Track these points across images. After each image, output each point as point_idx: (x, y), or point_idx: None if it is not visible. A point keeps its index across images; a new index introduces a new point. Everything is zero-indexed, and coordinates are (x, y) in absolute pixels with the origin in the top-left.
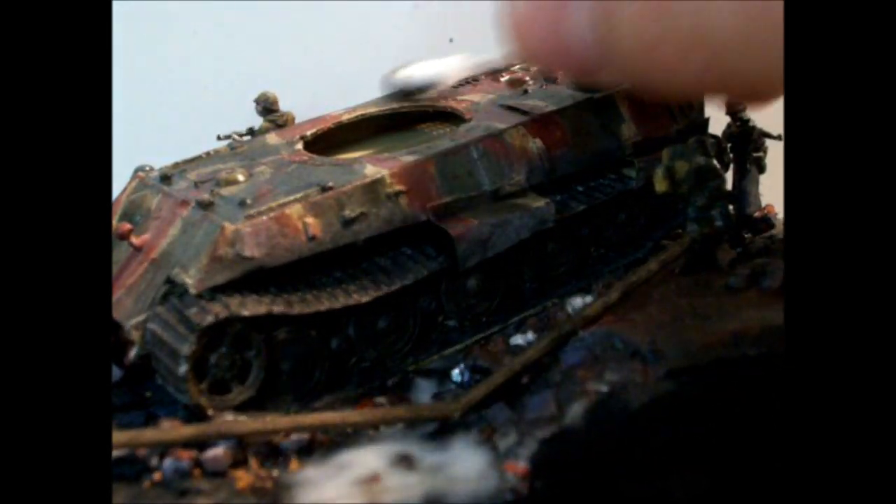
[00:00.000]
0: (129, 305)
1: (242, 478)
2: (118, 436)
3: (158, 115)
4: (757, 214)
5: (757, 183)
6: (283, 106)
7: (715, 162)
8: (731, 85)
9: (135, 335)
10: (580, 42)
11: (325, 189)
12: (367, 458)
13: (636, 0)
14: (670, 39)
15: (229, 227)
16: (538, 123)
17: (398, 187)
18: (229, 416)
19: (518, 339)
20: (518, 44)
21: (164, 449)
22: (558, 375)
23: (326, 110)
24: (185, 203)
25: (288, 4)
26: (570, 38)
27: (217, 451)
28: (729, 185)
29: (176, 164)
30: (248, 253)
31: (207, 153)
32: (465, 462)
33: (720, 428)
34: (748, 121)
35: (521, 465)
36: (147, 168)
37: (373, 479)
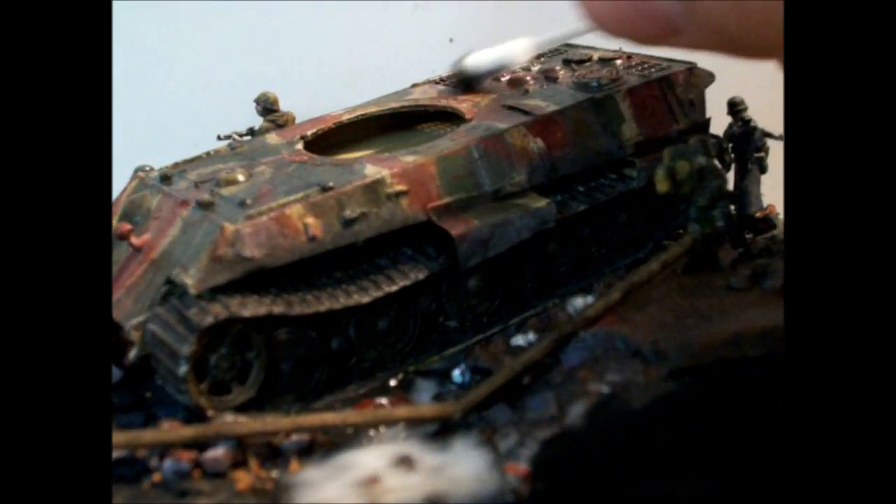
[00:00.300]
0: (129, 306)
1: (242, 479)
2: (118, 436)
3: (158, 115)
4: (758, 215)
5: (758, 183)
6: (283, 106)
7: (716, 162)
8: None
9: (135, 336)
10: (666, 6)
11: (325, 189)
12: (368, 459)
13: None
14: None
15: (229, 227)
16: (539, 123)
17: (398, 187)
18: (229, 417)
19: (519, 340)
20: (591, 13)
21: (163, 450)
22: (559, 376)
23: (326, 110)
24: (185, 203)
25: (288, 4)
26: (655, 3)
27: (217, 452)
28: (730, 186)
29: (176, 165)
30: (248, 253)
31: (207, 153)
32: (466, 463)
33: (722, 428)
34: (749, 121)
35: (521, 465)
36: (147, 168)
37: (373, 480)
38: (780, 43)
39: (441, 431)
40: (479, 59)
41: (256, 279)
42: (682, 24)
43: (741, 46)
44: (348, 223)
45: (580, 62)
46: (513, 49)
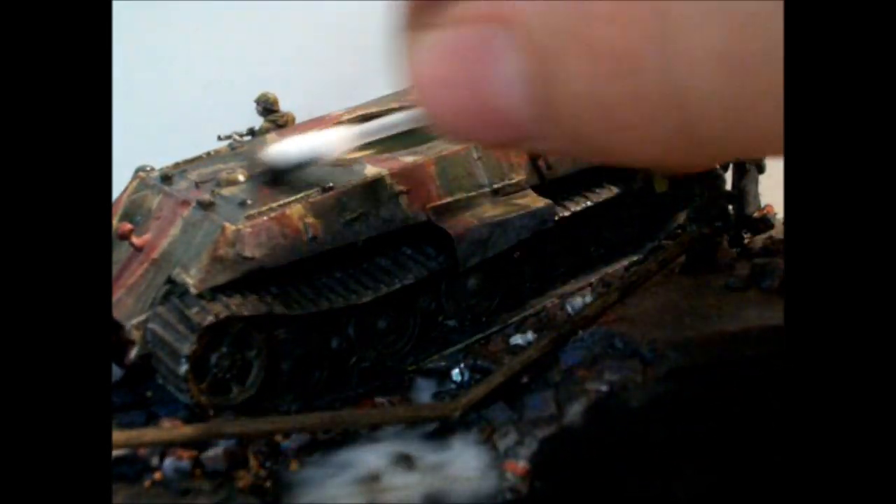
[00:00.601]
0: (130, 305)
1: (243, 477)
2: (119, 435)
3: (158, 115)
4: (756, 215)
5: (756, 183)
6: (283, 106)
7: None
8: (709, 151)
9: (135, 335)
10: (510, 105)
11: (325, 189)
12: (368, 458)
13: (583, 50)
14: (634, 99)
15: (230, 227)
16: None
17: (398, 187)
18: (229, 416)
19: (518, 339)
20: (427, 110)
21: (164, 448)
22: (558, 375)
23: (326, 110)
24: (185, 203)
25: (288, 5)
26: (495, 100)
27: (217, 451)
28: (728, 186)
29: (176, 165)
30: (248, 253)
31: (208, 153)
32: (465, 461)
33: (720, 427)
34: None
35: (520, 464)
36: (148, 168)
37: (373, 479)
38: (671, 156)
39: (440, 430)
40: (285, 149)
41: (257, 279)
42: (534, 130)
43: (609, 154)
44: (348, 223)
45: None
46: (329, 139)
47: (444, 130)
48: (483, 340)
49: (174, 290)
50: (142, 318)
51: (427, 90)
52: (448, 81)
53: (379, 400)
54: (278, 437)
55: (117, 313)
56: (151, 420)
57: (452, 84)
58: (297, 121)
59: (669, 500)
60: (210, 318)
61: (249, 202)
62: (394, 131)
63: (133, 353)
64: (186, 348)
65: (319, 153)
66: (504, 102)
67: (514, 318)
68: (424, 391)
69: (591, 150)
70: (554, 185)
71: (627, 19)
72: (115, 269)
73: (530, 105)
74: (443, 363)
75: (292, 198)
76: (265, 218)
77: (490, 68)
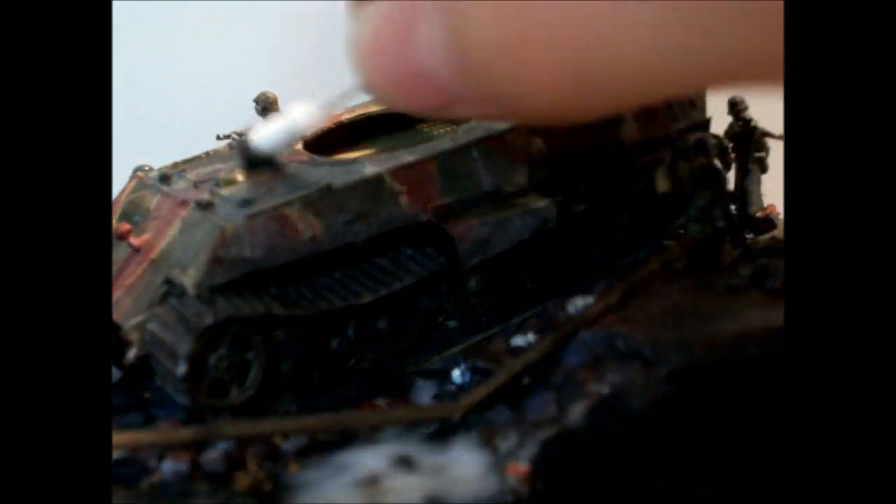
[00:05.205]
0: (128, 306)
1: (242, 479)
2: (117, 437)
3: (158, 115)
4: (759, 214)
5: (759, 183)
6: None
7: (717, 162)
8: (591, 95)
9: (134, 336)
10: (433, 67)
11: (325, 189)
12: (367, 460)
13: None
14: (525, 41)
15: (229, 227)
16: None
17: (398, 187)
18: (228, 418)
19: (519, 340)
20: (364, 78)
21: (163, 450)
22: (559, 376)
23: None
24: (184, 203)
25: (288, 5)
26: (420, 63)
27: (216, 453)
28: (731, 185)
29: (175, 164)
30: (247, 253)
31: (207, 153)
32: (466, 463)
33: (723, 429)
34: (750, 120)
35: (522, 466)
36: (146, 168)
37: (373, 481)
38: (558, 100)
39: (441, 432)
40: (265, 135)
41: (256, 279)
42: (455, 90)
43: (518, 106)
44: (348, 223)
45: None
46: (299, 117)
47: (378, 97)
48: (484, 341)
49: (172, 290)
50: (140, 318)
51: (361, 57)
52: (379, 48)
53: (379, 401)
54: (277, 439)
55: (116, 314)
56: (150, 421)
57: (383, 50)
58: None
59: (671, 501)
60: (209, 319)
61: (248, 202)
62: (352, 99)
63: (131, 354)
64: (185, 349)
65: (296, 132)
66: (427, 64)
67: (515, 319)
68: (425, 392)
69: (505, 105)
70: (556, 185)
71: None
72: (113, 270)
73: (449, 64)
74: (443, 364)
75: (292, 197)
76: (264, 218)
77: (414, 32)
